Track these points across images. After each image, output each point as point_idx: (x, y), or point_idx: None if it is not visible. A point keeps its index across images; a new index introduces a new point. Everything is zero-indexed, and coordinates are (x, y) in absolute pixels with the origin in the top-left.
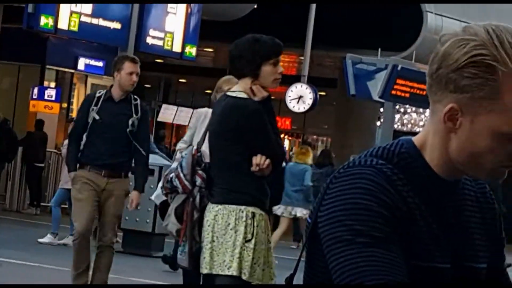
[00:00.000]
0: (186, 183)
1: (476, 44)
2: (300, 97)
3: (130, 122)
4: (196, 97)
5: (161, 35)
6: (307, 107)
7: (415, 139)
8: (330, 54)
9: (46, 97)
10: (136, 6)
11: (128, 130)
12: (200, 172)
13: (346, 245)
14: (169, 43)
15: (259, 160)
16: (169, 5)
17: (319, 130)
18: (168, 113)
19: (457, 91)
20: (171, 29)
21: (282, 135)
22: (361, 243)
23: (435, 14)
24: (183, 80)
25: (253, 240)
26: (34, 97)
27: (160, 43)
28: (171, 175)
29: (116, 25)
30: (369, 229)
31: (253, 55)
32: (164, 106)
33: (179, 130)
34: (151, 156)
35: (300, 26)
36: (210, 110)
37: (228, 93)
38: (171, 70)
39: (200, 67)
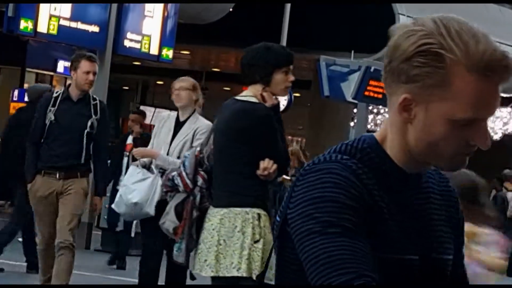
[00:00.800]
0: (188, 182)
1: (423, 33)
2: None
3: (89, 123)
4: None
5: (139, 38)
6: (282, 108)
7: (376, 134)
8: (304, 56)
9: (26, 99)
10: (114, 9)
11: (86, 131)
12: (202, 172)
13: (317, 236)
14: (146, 46)
15: (267, 164)
16: (146, 8)
17: (294, 130)
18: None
19: (408, 81)
20: (148, 32)
21: None
22: (332, 233)
23: (407, 16)
24: (160, 82)
25: (261, 241)
26: (14, 99)
27: (137, 46)
28: (172, 174)
29: (95, 29)
30: (339, 220)
31: (265, 63)
32: (142, 107)
33: None
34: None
35: (274, 29)
36: (172, 114)
37: (238, 97)
38: (148, 72)
39: (176, 69)
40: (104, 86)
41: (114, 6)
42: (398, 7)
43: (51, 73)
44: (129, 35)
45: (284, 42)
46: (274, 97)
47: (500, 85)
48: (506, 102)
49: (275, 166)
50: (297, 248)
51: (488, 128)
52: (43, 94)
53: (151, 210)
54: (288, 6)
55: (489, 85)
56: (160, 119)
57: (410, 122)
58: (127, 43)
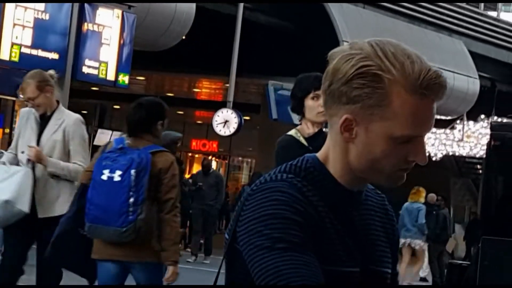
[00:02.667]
0: None
1: (362, 57)
2: (226, 122)
3: None
4: None
5: (96, 64)
6: (232, 130)
7: (318, 154)
8: (253, 82)
9: None
10: (73, 38)
11: None
12: None
13: (267, 251)
14: (104, 72)
15: None
16: (103, 36)
17: (244, 152)
18: (103, 137)
19: (349, 102)
20: (105, 59)
21: (209, 157)
22: (280, 248)
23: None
24: (117, 106)
25: None
26: None
27: (95, 72)
28: None
29: (54, 56)
30: (287, 236)
31: (294, 94)
32: (99, 130)
33: None
34: None
35: (225, 55)
36: (33, 110)
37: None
38: (105, 97)
39: (132, 94)
40: None
41: (73, 34)
42: (342, 35)
43: (13, 98)
44: (87, 61)
45: (234, 68)
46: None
47: (435, 102)
48: (445, 124)
49: None
50: (248, 263)
51: (426, 147)
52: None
53: (24, 207)
54: (238, 34)
55: (425, 103)
56: (22, 115)
57: (352, 142)
58: (85, 70)
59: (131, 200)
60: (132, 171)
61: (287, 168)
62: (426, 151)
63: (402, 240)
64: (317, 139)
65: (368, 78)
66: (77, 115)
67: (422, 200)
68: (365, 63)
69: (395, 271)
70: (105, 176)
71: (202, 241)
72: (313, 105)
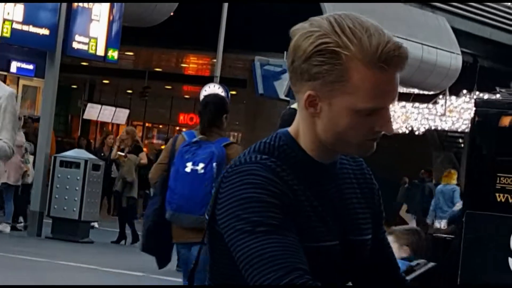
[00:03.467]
0: None
1: (320, 34)
2: None
3: None
4: (118, 96)
5: (86, 40)
6: None
7: (290, 129)
8: (240, 57)
9: None
10: (63, 14)
11: None
12: None
13: (248, 235)
14: (93, 48)
15: None
16: (93, 12)
17: (230, 126)
18: (93, 111)
19: (310, 79)
20: (95, 34)
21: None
22: (261, 232)
23: None
24: (106, 81)
25: None
26: None
27: (85, 47)
28: None
29: (45, 32)
30: (266, 219)
31: None
32: (89, 105)
33: (103, 126)
34: (77, 150)
35: (212, 31)
36: None
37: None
38: (95, 72)
39: (121, 69)
40: (54, 85)
41: (64, 10)
42: (327, 10)
43: (5, 73)
44: (77, 37)
45: (221, 44)
46: None
47: (397, 73)
48: (428, 99)
49: None
50: (230, 247)
51: (392, 115)
52: None
53: None
54: (225, 10)
55: (386, 76)
56: None
57: (317, 116)
58: (75, 45)
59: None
60: (214, 164)
61: (261, 147)
62: (398, 122)
63: (438, 221)
64: None
65: (327, 55)
66: (11, 89)
67: (454, 181)
68: (323, 40)
69: (381, 234)
70: (188, 169)
71: None
72: None
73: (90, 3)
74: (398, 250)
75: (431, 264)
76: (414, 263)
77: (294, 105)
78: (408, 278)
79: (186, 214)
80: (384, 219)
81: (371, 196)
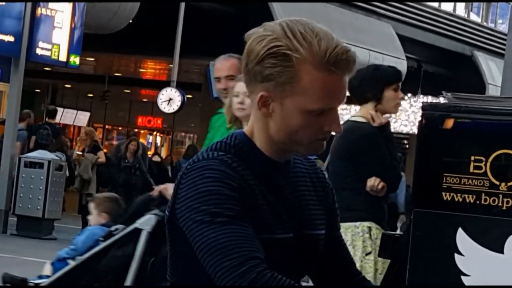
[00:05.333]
0: None
1: (272, 38)
2: (170, 100)
3: None
4: (79, 99)
5: (49, 46)
6: (176, 108)
7: (245, 130)
8: (195, 62)
9: None
10: (27, 21)
11: None
12: None
13: (206, 226)
14: (56, 54)
15: (373, 183)
16: (56, 20)
17: (186, 128)
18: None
19: (263, 80)
20: (57, 41)
21: (154, 133)
22: (219, 222)
23: None
24: (68, 86)
25: (373, 252)
26: None
27: (48, 53)
28: None
29: (10, 38)
30: (224, 210)
31: (376, 81)
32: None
33: (65, 129)
34: (41, 151)
35: (169, 38)
36: None
37: (350, 118)
38: (57, 77)
39: (83, 74)
40: (19, 89)
41: (28, 18)
42: (278, 17)
43: None
44: (40, 44)
45: (177, 50)
46: (384, 116)
47: (345, 76)
48: None
49: (381, 184)
50: (189, 238)
51: (340, 116)
52: None
53: None
54: (181, 18)
55: (334, 78)
56: None
57: (270, 116)
58: (39, 51)
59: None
60: None
61: (218, 146)
62: (341, 121)
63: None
64: (386, 130)
65: (278, 57)
66: None
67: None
68: (275, 43)
69: (336, 231)
70: None
71: None
72: (393, 96)
73: (53, 11)
74: (97, 217)
75: (129, 229)
76: (113, 228)
77: (357, 119)
78: (107, 242)
79: None
80: (338, 217)
81: (325, 195)
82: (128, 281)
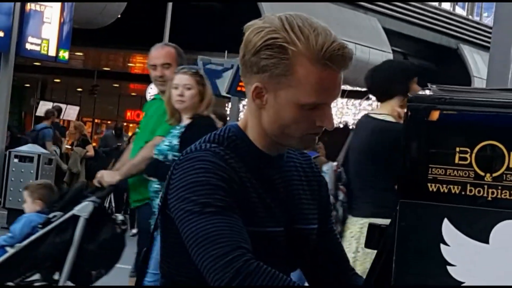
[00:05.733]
0: (331, 197)
1: (270, 29)
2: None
3: None
4: (69, 94)
5: (38, 41)
6: None
7: (239, 123)
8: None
9: None
10: (17, 17)
11: None
12: (341, 187)
13: (196, 216)
14: (45, 49)
15: None
16: (45, 15)
17: None
18: (45, 108)
19: (259, 71)
20: (47, 36)
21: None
22: (208, 212)
23: None
24: (58, 80)
25: None
26: None
27: (37, 48)
28: None
29: (0, 34)
30: (214, 201)
31: (402, 75)
32: (41, 102)
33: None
34: (31, 145)
35: (157, 33)
36: None
37: (372, 115)
38: (47, 71)
39: (72, 69)
40: (8, 84)
41: (17, 13)
42: (266, 13)
43: None
44: (30, 39)
45: None
46: None
47: (340, 72)
48: (361, 95)
49: None
50: (179, 228)
51: (333, 112)
52: None
53: None
54: (169, 13)
55: (329, 73)
56: None
57: (264, 108)
58: (28, 46)
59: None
60: None
61: (211, 138)
62: (336, 118)
63: None
64: None
65: (275, 49)
66: None
67: None
68: (272, 35)
69: (329, 225)
70: None
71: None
72: (417, 90)
73: (42, 6)
74: (32, 204)
75: (67, 215)
76: (51, 215)
77: (386, 117)
78: (45, 229)
79: None
80: (332, 211)
81: (318, 189)
82: (66, 267)
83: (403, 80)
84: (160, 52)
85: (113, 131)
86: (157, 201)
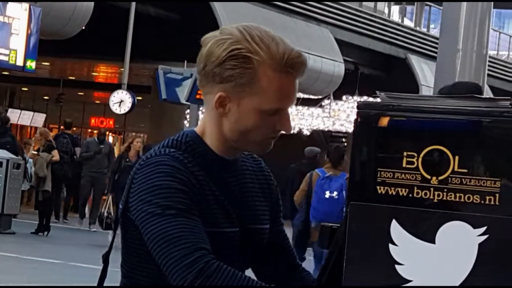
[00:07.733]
0: None
1: (233, 41)
2: (121, 101)
3: None
4: (36, 102)
5: (7, 52)
6: (127, 109)
7: (196, 129)
8: (145, 66)
9: None
10: None
11: None
12: None
13: (157, 218)
14: (13, 58)
15: None
16: (13, 27)
17: (137, 128)
18: (13, 116)
19: (222, 81)
20: (14, 47)
21: (107, 133)
22: (169, 214)
23: None
24: (25, 89)
25: None
26: None
27: (5, 58)
28: None
29: None
30: (174, 203)
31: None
32: (10, 110)
33: (22, 130)
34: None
35: (120, 43)
36: None
37: None
38: (15, 80)
39: (39, 78)
40: None
41: None
42: (223, 23)
43: None
44: None
45: (128, 54)
46: None
47: (297, 79)
48: (314, 103)
49: None
50: (141, 229)
51: (291, 118)
52: None
53: None
54: (131, 24)
55: (289, 80)
56: None
57: (225, 116)
58: None
59: (344, 209)
60: (343, 192)
61: (170, 142)
62: (292, 123)
63: None
64: None
65: (240, 59)
66: None
67: None
68: (236, 46)
69: (279, 226)
70: (327, 195)
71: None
72: None
73: (10, 18)
74: None
75: None
76: None
77: None
78: None
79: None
80: (282, 212)
81: (269, 192)
82: None
83: None
84: None
85: (96, 138)
86: None
